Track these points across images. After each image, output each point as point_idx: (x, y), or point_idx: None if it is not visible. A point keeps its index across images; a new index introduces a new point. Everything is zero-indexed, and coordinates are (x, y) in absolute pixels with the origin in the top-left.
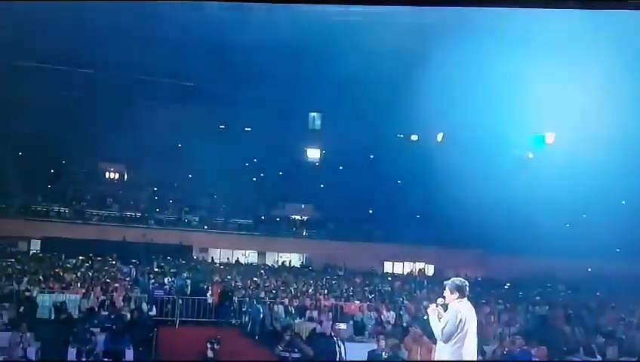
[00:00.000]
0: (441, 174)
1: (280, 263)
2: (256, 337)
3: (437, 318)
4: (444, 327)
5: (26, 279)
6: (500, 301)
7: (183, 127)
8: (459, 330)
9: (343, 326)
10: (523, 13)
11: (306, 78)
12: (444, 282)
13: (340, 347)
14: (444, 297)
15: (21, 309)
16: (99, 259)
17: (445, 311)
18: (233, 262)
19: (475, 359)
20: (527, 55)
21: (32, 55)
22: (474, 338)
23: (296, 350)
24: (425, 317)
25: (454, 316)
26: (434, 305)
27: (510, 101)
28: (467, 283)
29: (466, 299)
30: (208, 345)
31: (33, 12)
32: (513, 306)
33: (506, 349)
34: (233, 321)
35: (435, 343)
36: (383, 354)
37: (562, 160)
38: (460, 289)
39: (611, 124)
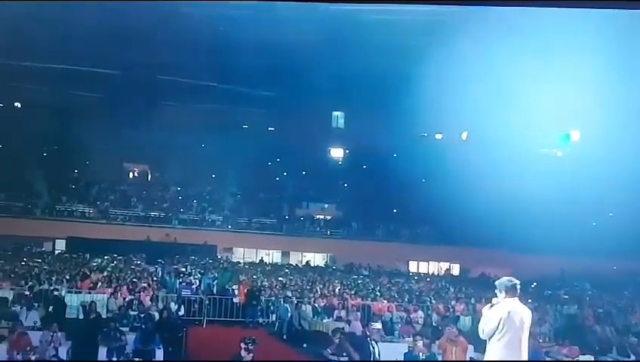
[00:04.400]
0: (465, 173)
1: (304, 263)
2: (284, 337)
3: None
4: (485, 326)
5: (53, 279)
6: (529, 300)
7: (206, 127)
8: (499, 328)
9: (378, 326)
10: (548, 12)
11: (329, 78)
12: (495, 282)
13: (374, 347)
14: (497, 297)
15: (50, 309)
16: (124, 258)
17: None
18: (257, 261)
19: (519, 357)
20: (552, 54)
21: (57, 57)
22: (519, 337)
23: (344, 354)
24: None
25: (494, 315)
26: (489, 305)
27: (535, 99)
28: (517, 282)
29: (515, 298)
30: (243, 346)
31: (57, 14)
32: (541, 305)
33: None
34: (260, 321)
35: (471, 343)
36: (421, 355)
37: (588, 158)
38: (507, 289)
39: (636, 121)
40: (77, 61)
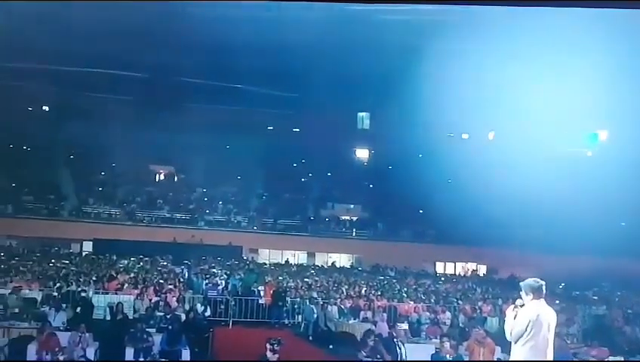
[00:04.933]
0: (491, 173)
1: (330, 264)
2: (310, 338)
3: (512, 319)
4: (512, 328)
5: (81, 280)
6: (556, 301)
7: (231, 129)
8: (527, 331)
9: (404, 326)
10: (574, 10)
11: (354, 79)
12: (520, 283)
13: (400, 348)
14: (521, 298)
15: (78, 310)
16: (150, 260)
17: None
18: (283, 262)
19: (546, 359)
20: (579, 54)
21: (83, 60)
22: (546, 339)
23: (378, 356)
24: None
25: (522, 317)
26: (512, 306)
27: (562, 99)
28: (543, 283)
29: (542, 300)
30: (268, 346)
31: (83, 18)
32: (570, 306)
33: None
34: (286, 321)
35: (497, 345)
36: (448, 356)
37: (617, 157)
38: (534, 290)
39: None
40: (103, 64)
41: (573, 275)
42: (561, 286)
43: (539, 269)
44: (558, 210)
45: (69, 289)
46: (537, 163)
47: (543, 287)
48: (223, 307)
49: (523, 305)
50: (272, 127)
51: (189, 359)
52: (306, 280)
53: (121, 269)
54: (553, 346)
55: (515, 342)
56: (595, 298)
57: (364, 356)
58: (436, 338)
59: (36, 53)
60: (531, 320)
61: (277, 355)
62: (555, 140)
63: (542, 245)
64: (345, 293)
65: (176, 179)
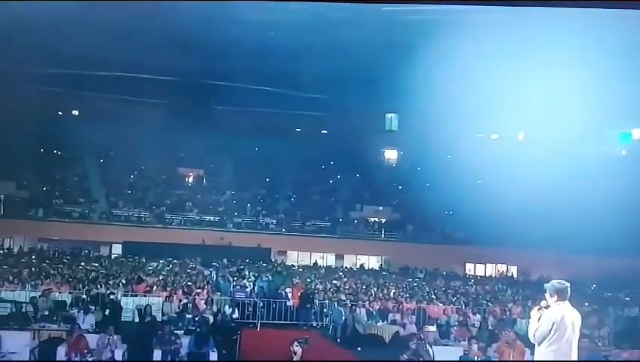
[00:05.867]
0: (522, 174)
1: (359, 266)
2: (338, 340)
3: (536, 321)
4: (536, 330)
5: (110, 283)
6: (586, 303)
7: (259, 131)
8: (551, 334)
9: (432, 328)
10: (604, 10)
11: (382, 80)
12: (545, 285)
13: (428, 351)
14: (546, 300)
15: (107, 312)
16: (179, 262)
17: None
18: (311, 264)
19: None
20: (610, 53)
21: (111, 64)
22: (571, 341)
23: (420, 359)
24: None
25: (546, 319)
26: (537, 307)
27: (594, 98)
28: (568, 285)
29: (566, 302)
30: (295, 344)
31: (110, 21)
32: (601, 308)
33: None
34: (314, 324)
35: (527, 347)
36: (476, 358)
37: None
38: (558, 292)
39: None
40: (131, 68)
41: (605, 276)
42: (592, 288)
43: (570, 270)
44: (591, 209)
45: (98, 291)
46: (568, 163)
47: (568, 289)
48: (251, 309)
49: (547, 306)
50: (299, 129)
51: (216, 361)
52: (334, 282)
53: (150, 272)
54: (583, 348)
55: (539, 344)
56: (628, 299)
57: (407, 359)
58: (465, 340)
59: (65, 58)
60: (555, 323)
61: (300, 352)
62: (587, 140)
63: (573, 246)
64: (373, 295)
65: (204, 181)
